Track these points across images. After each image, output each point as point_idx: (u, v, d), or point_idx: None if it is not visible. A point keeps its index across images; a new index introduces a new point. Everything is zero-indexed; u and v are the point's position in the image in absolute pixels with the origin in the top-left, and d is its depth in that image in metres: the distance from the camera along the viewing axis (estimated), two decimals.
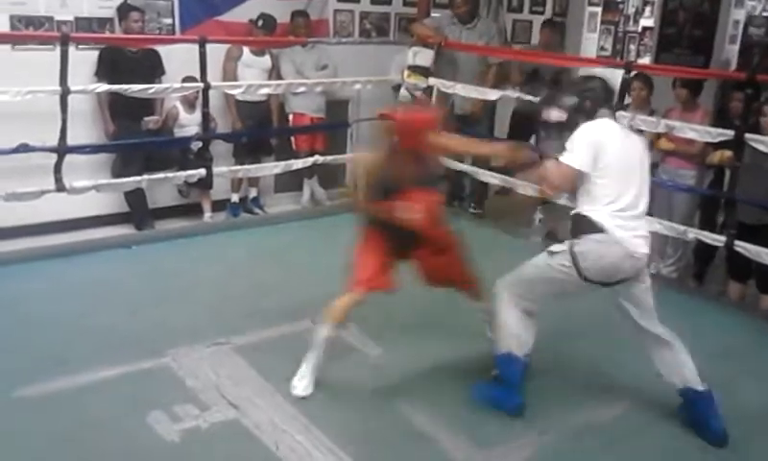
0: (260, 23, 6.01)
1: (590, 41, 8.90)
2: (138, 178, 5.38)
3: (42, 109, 4.73)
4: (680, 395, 3.34)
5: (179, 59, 5.58)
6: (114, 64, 5.34)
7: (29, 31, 5.21)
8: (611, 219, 3.10)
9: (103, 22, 5.53)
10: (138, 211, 5.77)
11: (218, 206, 6.19)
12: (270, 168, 6.09)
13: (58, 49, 4.76)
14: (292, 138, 6.39)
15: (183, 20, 5.93)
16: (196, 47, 5.32)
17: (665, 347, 3.29)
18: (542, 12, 8.55)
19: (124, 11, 5.44)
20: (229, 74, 5.91)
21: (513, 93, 5.98)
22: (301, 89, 6.05)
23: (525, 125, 5.23)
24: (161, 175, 5.52)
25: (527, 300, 3.34)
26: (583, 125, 3.16)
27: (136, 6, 5.51)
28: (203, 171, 5.54)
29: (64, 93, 4.72)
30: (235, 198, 6.28)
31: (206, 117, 5.55)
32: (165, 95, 5.53)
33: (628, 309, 3.29)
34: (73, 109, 4.85)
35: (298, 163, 6.08)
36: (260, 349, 3.81)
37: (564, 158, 3.11)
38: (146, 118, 5.54)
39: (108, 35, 5.54)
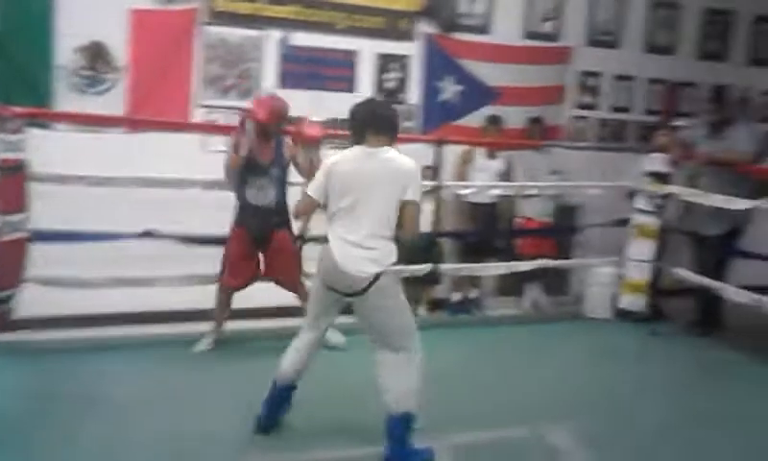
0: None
1: None
2: None
3: None
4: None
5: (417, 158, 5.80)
6: None
7: None
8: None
9: None
10: None
11: (437, 304, 6.25)
12: (493, 268, 6.09)
13: None
14: (517, 242, 6.39)
15: (424, 124, 6.30)
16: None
17: None
18: None
19: None
20: (461, 177, 6.08)
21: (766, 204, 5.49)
22: (532, 192, 6.06)
23: None
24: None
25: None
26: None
27: None
28: (429, 266, 5.68)
29: None
30: (456, 297, 6.33)
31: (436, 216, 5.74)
32: None
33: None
34: None
35: (522, 265, 6.03)
36: (474, 452, 3.76)
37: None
38: None
39: None
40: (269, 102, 4.72)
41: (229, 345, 4.96)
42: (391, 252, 3.45)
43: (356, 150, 3.51)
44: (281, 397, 3.75)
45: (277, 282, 4.87)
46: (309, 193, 3.58)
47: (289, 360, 3.70)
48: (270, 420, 3.75)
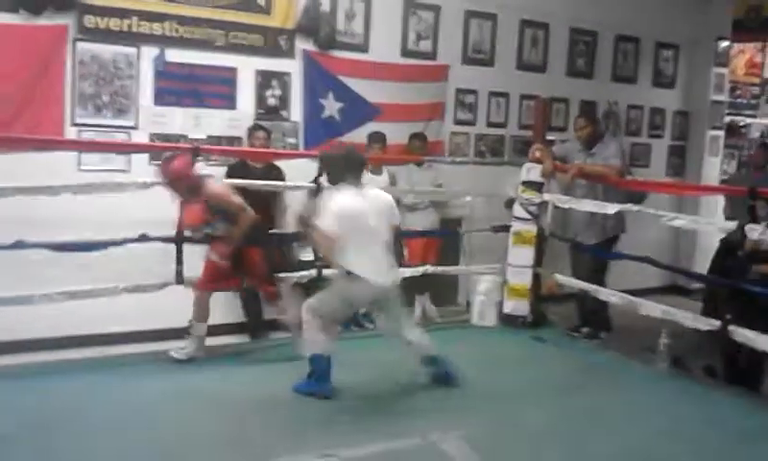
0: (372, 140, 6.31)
1: (712, 166, 8.63)
2: None
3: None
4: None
5: (302, 175, 5.76)
6: (241, 178, 5.60)
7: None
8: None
9: (231, 140, 5.90)
10: (254, 320, 5.91)
11: None
12: None
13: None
14: (404, 253, 6.45)
15: (307, 140, 6.28)
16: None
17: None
18: (661, 136, 8.49)
19: (252, 130, 5.80)
20: None
21: (634, 207, 5.79)
22: (411, 199, 6.25)
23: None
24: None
25: (319, 318, 4.41)
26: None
27: (264, 126, 5.86)
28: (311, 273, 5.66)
29: None
30: None
31: None
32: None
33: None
34: None
35: (408, 272, 6.08)
36: None
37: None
38: None
39: (235, 148, 5.90)
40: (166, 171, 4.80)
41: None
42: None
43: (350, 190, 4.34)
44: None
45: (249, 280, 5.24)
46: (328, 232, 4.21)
47: None
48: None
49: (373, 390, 4.72)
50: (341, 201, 4.26)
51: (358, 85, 6.49)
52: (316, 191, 5.03)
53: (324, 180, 4.76)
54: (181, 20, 5.70)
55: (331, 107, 6.40)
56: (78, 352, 5.15)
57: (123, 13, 5.48)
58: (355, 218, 4.23)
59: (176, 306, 5.08)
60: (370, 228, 4.29)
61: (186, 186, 4.79)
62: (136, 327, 5.43)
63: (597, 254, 6.18)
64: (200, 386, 4.68)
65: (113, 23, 5.45)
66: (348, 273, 4.30)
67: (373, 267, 4.29)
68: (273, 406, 4.37)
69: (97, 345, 5.28)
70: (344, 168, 4.40)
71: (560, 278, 6.27)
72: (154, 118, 5.64)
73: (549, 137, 6.92)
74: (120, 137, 5.51)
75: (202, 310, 5.01)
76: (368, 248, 4.28)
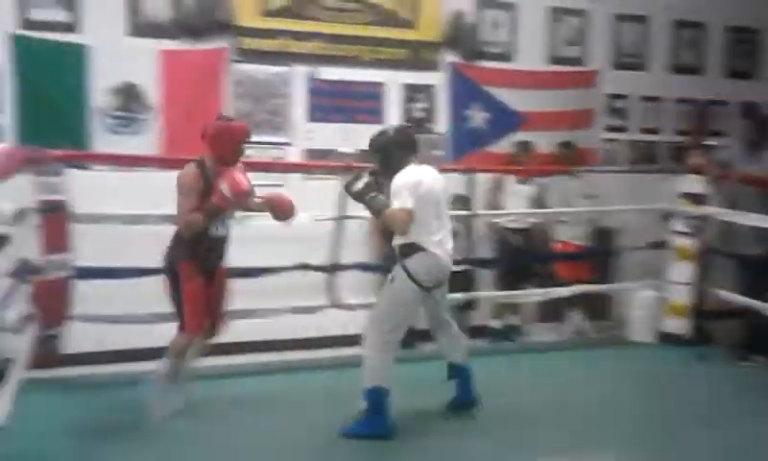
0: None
1: None
2: None
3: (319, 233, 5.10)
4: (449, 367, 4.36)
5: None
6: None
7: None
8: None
9: None
10: None
11: (478, 331, 6.10)
12: (532, 295, 6.00)
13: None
14: (553, 271, 6.29)
15: (455, 151, 6.24)
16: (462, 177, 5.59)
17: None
18: None
19: None
20: (493, 203, 6.03)
21: None
22: (566, 218, 5.99)
23: None
24: None
25: (389, 333, 3.97)
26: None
27: None
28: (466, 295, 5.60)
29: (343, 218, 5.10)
30: (496, 324, 6.22)
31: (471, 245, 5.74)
32: None
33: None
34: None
35: (560, 291, 5.92)
36: None
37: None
38: None
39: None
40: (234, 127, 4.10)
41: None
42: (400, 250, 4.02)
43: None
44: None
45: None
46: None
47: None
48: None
49: (521, 405, 4.60)
50: (413, 174, 3.97)
51: (504, 95, 6.40)
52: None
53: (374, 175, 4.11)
54: (330, 38, 5.83)
55: (477, 117, 6.34)
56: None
57: (275, 34, 5.67)
58: (428, 191, 3.96)
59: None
60: (438, 202, 4.05)
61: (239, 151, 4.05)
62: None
63: (764, 268, 5.74)
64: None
65: (267, 44, 5.65)
66: (417, 249, 3.95)
67: (442, 243, 4.04)
68: (406, 420, 4.25)
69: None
70: (403, 148, 4.06)
71: (723, 293, 5.88)
72: (306, 134, 5.79)
73: (709, 143, 6.55)
74: (275, 154, 5.69)
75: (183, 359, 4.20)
76: (437, 223, 4.02)
